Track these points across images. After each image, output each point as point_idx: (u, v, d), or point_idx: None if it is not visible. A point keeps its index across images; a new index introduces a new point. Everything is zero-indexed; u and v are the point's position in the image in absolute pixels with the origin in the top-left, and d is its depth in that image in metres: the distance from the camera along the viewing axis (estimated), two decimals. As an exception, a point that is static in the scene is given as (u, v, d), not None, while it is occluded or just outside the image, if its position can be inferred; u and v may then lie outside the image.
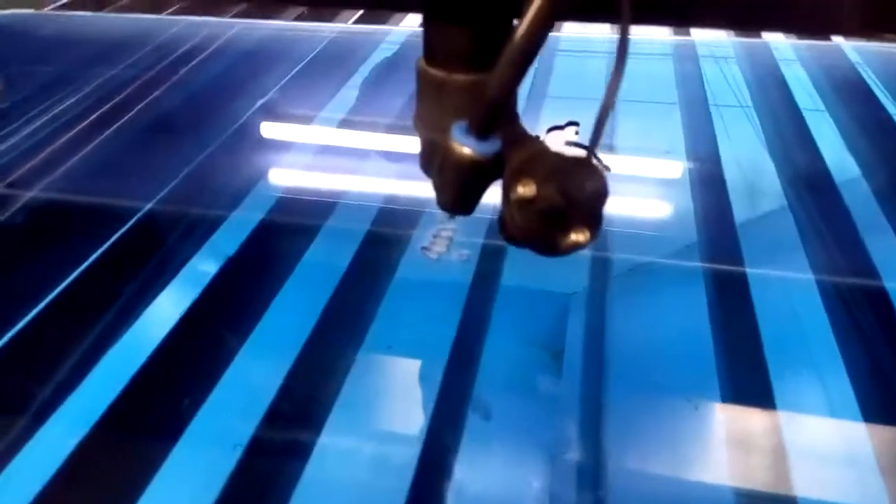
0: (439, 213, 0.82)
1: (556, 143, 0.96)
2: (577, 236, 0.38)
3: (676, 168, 0.99)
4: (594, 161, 0.38)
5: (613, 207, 0.89)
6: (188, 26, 1.46)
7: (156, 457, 0.61)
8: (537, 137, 0.41)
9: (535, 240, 0.39)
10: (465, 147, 0.37)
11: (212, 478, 0.59)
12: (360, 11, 1.49)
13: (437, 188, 0.42)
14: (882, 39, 1.32)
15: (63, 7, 1.69)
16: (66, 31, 1.50)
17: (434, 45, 0.40)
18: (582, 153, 0.38)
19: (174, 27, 1.46)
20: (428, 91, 0.42)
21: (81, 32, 1.49)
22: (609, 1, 0.33)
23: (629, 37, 0.35)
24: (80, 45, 1.42)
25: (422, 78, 0.41)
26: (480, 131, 0.37)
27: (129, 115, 1.15)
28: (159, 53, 1.37)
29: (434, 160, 0.42)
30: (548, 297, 0.78)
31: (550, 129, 0.99)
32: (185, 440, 0.62)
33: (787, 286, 0.79)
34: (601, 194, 0.37)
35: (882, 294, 0.76)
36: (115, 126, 1.12)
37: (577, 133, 0.98)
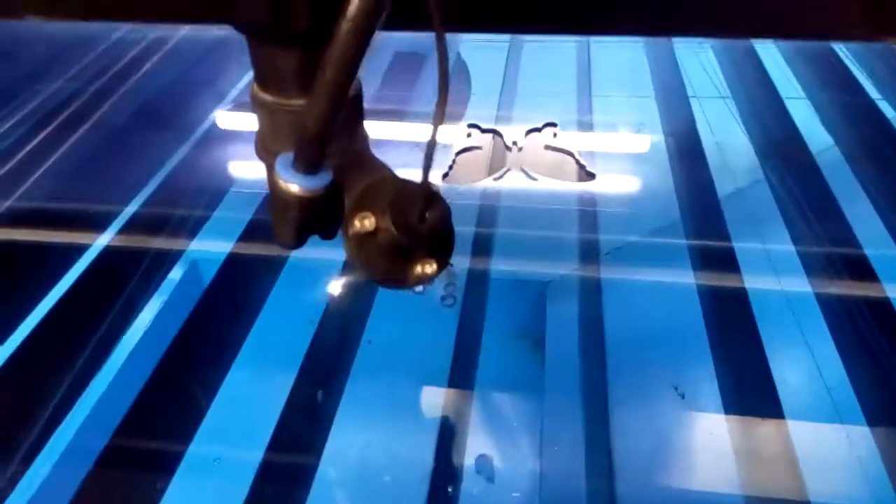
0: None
1: (535, 147, 0.94)
2: (422, 268, 0.37)
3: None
4: (436, 189, 0.36)
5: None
6: (132, 31, 1.38)
7: (152, 494, 0.59)
8: (380, 161, 0.39)
9: (380, 273, 0.37)
10: (291, 183, 0.34)
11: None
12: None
13: (273, 223, 0.38)
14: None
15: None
16: (4, 40, 1.40)
17: (261, 68, 0.37)
18: (418, 179, 0.35)
19: (117, 31, 1.37)
20: (261, 116, 0.38)
21: (20, 40, 1.40)
22: (423, 10, 0.29)
23: (446, 48, 0.32)
24: (20, 55, 1.34)
25: (254, 101, 0.38)
26: (305, 166, 0.34)
27: (87, 126, 1.09)
28: (108, 59, 1.30)
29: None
30: (525, 285, 0.76)
31: (529, 132, 0.96)
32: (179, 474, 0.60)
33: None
34: (444, 224, 0.36)
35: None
36: (76, 136, 1.06)
37: (555, 135, 0.95)
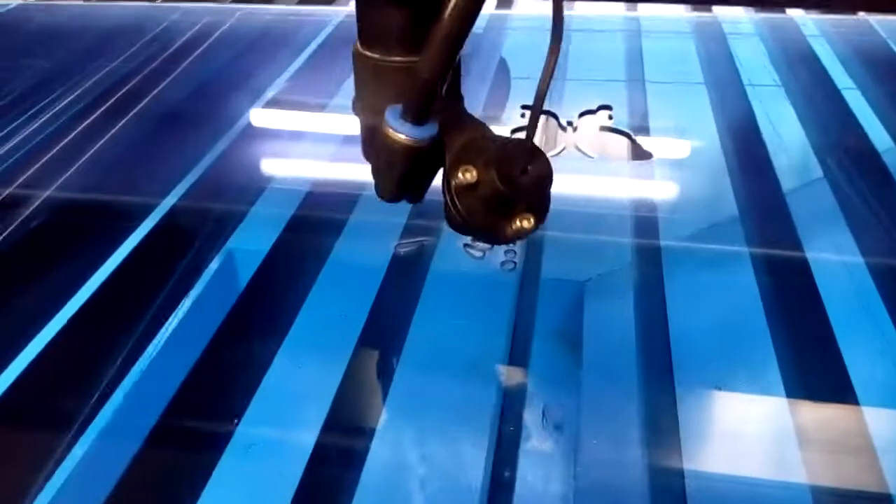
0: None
1: (590, 128, 0.94)
2: (521, 223, 0.38)
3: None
4: (537, 145, 0.37)
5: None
6: (187, 13, 1.41)
7: (201, 471, 0.57)
8: (479, 120, 0.40)
9: (478, 227, 0.38)
10: (400, 133, 0.36)
11: (266, 488, 0.56)
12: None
13: (376, 175, 0.41)
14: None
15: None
16: (59, 23, 1.44)
17: (368, 27, 0.39)
18: (524, 135, 0.37)
19: (173, 14, 1.40)
20: (364, 75, 0.40)
21: (76, 23, 1.43)
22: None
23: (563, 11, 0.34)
24: (76, 37, 1.37)
25: (357, 61, 0.40)
26: (414, 116, 0.35)
27: (137, 109, 1.10)
28: (161, 43, 1.32)
29: (372, 146, 0.41)
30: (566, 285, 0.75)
31: (582, 114, 0.97)
32: (229, 451, 0.59)
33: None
34: (545, 179, 0.36)
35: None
36: (122, 122, 1.07)
37: (610, 117, 0.95)
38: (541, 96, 0.35)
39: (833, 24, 1.30)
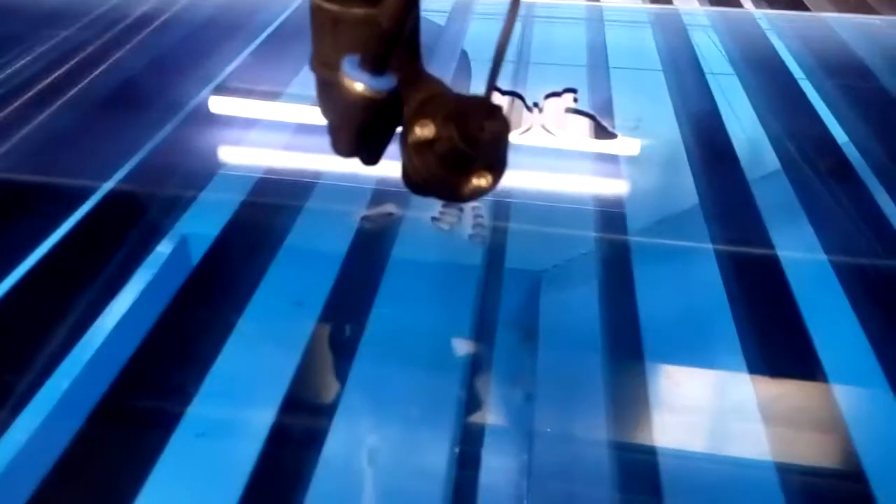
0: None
1: (556, 109, 0.94)
2: (478, 181, 0.37)
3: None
4: (496, 103, 0.36)
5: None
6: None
7: (148, 452, 0.55)
8: (438, 78, 0.40)
9: (435, 185, 0.37)
10: (357, 82, 0.34)
11: (221, 470, 0.54)
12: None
13: (332, 130, 0.39)
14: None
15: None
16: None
17: None
18: (488, 94, 0.36)
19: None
20: (323, 27, 0.39)
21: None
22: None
23: None
24: (16, 14, 1.31)
25: (316, 13, 0.39)
26: (373, 65, 0.34)
27: (79, 88, 1.05)
28: (110, 20, 1.27)
29: (330, 101, 0.40)
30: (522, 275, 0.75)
31: (548, 96, 0.97)
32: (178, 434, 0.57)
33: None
34: (502, 137, 0.36)
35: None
36: (63, 100, 1.02)
37: (575, 100, 0.96)
38: (501, 49, 0.35)
39: (788, 20, 1.34)
